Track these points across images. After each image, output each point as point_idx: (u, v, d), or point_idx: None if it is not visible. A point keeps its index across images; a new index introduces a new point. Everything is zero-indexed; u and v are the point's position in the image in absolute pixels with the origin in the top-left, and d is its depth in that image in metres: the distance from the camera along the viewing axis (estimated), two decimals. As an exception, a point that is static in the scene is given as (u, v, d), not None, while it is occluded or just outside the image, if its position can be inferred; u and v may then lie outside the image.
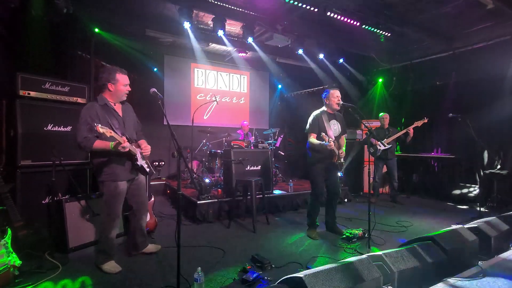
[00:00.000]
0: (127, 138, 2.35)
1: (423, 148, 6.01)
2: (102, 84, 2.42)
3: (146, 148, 2.59)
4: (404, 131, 4.96)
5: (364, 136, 6.01)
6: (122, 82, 2.44)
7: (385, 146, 4.95)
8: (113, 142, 2.22)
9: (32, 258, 2.48)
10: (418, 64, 6.16)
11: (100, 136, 2.23)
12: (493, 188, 4.82)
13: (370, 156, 4.29)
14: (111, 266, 2.46)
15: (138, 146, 2.61)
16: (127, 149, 2.26)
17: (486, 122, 4.95)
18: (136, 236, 2.75)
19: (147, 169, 2.64)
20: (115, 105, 2.49)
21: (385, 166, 5.32)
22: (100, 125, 2.09)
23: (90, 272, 2.46)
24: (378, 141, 4.86)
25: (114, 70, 2.43)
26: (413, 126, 4.86)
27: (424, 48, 5.93)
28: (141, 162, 2.53)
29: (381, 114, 5.43)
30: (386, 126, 5.34)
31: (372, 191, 5.28)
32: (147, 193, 2.78)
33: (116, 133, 2.23)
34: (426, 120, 4.82)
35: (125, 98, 2.51)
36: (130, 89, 2.49)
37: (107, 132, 2.11)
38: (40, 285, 2.24)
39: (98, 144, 2.25)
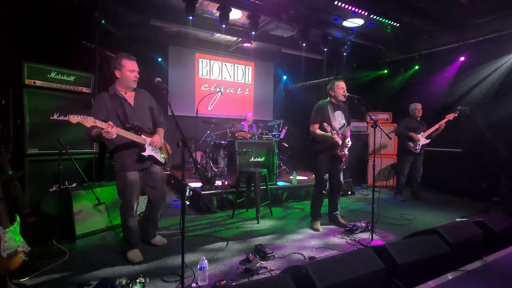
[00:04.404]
0: (133, 126, 2.29)
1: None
2: (111, 73, 2.36)
3: (154, 139, 2.46)
4: (437, 126, 4.65)
5: (370, 129, 5.90)
6: (127, 68, 2.35)
7: (425, 140, 4.72)
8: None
9: (40, 245, 2.53)
10: (427, 56, 6.02)
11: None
12: (500, 183, 4.77)
13: (375, 149, 4.24)
14: (133, 255, 2.49)
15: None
16: (114, 135, 2.11)
17: (496, 115, 4.85)
18: (148, 225, 2.78)
19: (161, 160, 2.59)
20: (126, 94, 2.43)
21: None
22: (83, 116, 2.01)
23: (97, 259, 2.51)
24: (418, 136, 4.68)
25: (120, 56, 2.36)
26: (445, 120, 4.61)
27: (433, 39, 5.78)
28: (149, 152, 2.44)
29: (412, 104, 4.97)
30: (419, 117, 4.90)
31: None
32: (164, 184, 2.68)
33: (102, 121, 2.12)
34: (456, 114, 4.55)
35: (134, 86, 2.44)
36: (138, 76, 2.38)
37: (88, 121, 2.03)
38: (48, 270, 2.29)
39: (94, 132, 2.18)
